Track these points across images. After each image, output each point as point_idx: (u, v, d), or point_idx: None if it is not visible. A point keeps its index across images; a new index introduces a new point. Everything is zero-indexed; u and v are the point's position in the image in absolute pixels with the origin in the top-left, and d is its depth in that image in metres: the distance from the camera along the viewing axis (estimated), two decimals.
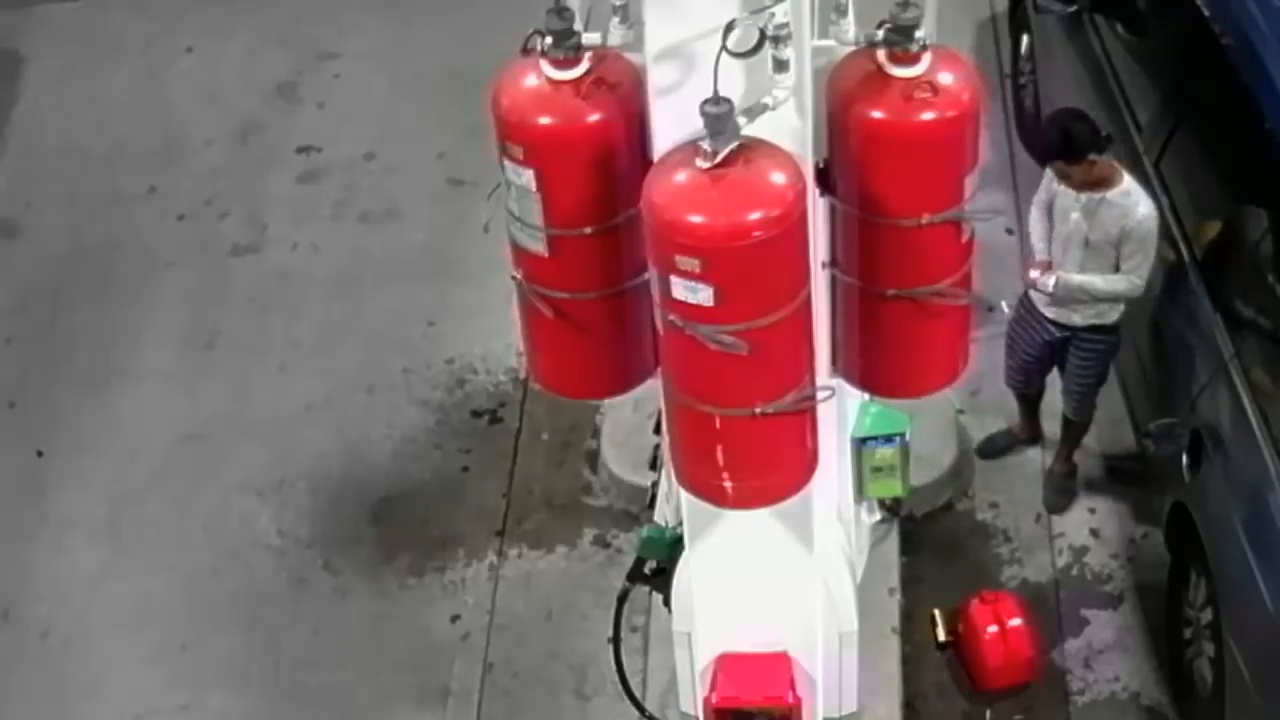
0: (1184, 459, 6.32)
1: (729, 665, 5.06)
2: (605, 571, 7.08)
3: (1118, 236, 6.35)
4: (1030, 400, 7.18)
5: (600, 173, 4.19)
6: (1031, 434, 7.31)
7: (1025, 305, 6.75)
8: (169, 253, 8.70)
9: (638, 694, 6.16)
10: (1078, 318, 6.60)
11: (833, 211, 4.39)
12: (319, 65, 9.61)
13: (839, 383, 4.69)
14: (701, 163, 3.92)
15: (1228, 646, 5.98)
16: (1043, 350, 6.79)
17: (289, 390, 8.01)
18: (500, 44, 4.44)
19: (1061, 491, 7.19)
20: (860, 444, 5.77)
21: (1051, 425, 7.25)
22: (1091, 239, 6.39)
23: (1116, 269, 6.42)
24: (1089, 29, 7.54)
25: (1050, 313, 6.63)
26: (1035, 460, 7.33)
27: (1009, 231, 7.77)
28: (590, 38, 4.16)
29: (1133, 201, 6.34)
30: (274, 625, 7.16)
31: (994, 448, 7.30)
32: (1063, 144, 6.30)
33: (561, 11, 4.10)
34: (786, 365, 4.18)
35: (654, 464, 6.30)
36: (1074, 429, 7.06)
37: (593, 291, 4.38)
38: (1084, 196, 6.37)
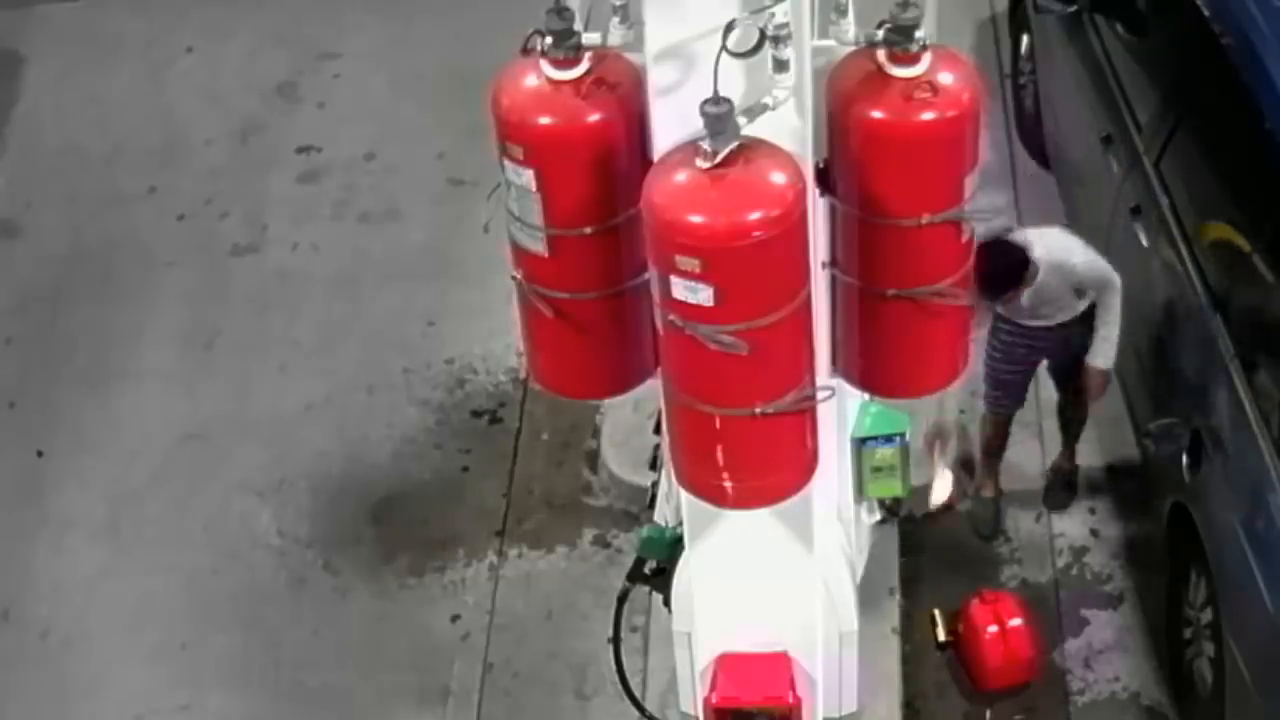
0: (1184, 459, 6.32)
1: (729, 665, 5.06)
2: (605, 571, 7.09)
3: (1073, 286, 6.49)
4: (1001, 437, 7.14)
5: (600, 173, 4.19)
6: (999, 489, 7.24)
7: (1010, 333, 6.70)
8: (169, 253, 8.70)
9: (638, 694, 6.16)
10: (1064, 315, 6.60)
11: (833, 211, 4.38)
12: (319, 65, 9.61)
13: (839, 383, 4.69)
14: (701, 163, 3.91)
15: (1228, 646, 5.98)
16: (1032, 362, 6.79)
17: (289, 390, 8.01)
18: (500, 44, 4.44)
19: (1064, 489, 7.19)
20: (860, 444, 5.77)
21: (1050, 424, 7.26)
22: (1052, 297, 6.48)
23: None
24: (1089, 29, 7.54)
25: (1036, 322, 6.61)
26: (1035, 460, 7.33)
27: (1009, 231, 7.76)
28: (590, 38, 4.15)
29: (1062, 262, 6.42)
30: (274, 625, 7.17)
31: (986, 522, 7.19)
32: (1015, 277, 6.36)
33: (561, 11, 4.10)
34: (786, 365, 4.18)
35: (654, 464, 6.30)
36: (1074, 425, 7.07)
37: (593, 291, 4.38)
38: (1025, 290, 6.44)
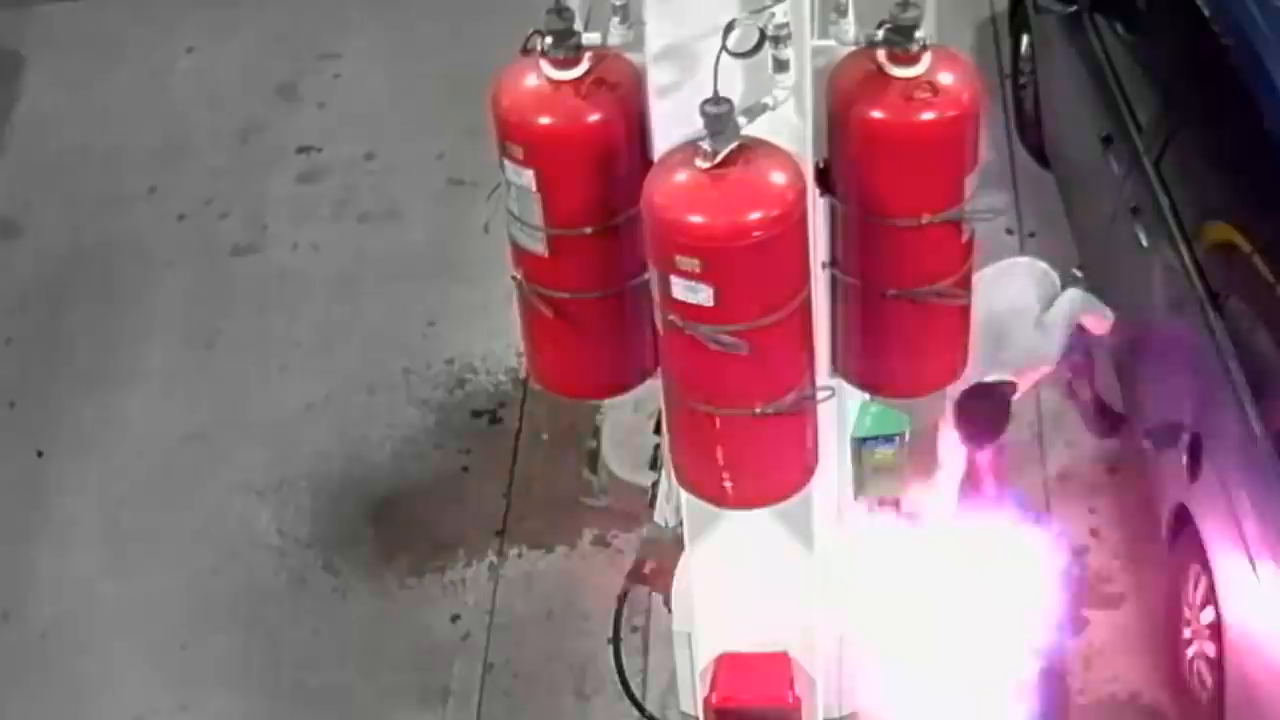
0: (1184, 459, 6.32)
1: (729, 665, 5.06)
2: (605, 571, 7.08)
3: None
4: None
5: (600, 173, 4.18)
6: None
7: None
8: (169, 253, 8.70)
9: (638, 694, 6.16)
10: None
11: (833, 211, 4.38)
12: (319, 65, 9.61)
13: (839, 383, 4.69)
14: (701, 163, 3.91)
15: (1228, 646, 5.98)
16: None
17: (289, 390, 8.01)
18: (501, 44, 4.44)
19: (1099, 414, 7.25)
20: (860, 444, 5.77)
21: (1048, 428, 7.25)
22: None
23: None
24: (1089, 29, 7.54)
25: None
26: (1035, 460, 7.32)
27: (1009, 231, 7.78)
28: (590, 38, 4.15)
29: (1037, 366, 6.47)
30: (274, 625, 7.17)
31: None
32: (1004, 418, 6.43)
33: (561, 11, 4.09)
34: (786, 365, 4.18)
35: (654, 464, 6.30)
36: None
37: (593, 291, 4.38)
38: None
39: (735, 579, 4.95)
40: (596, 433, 7.56)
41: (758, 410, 4.15)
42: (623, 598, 5.83)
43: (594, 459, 7.51)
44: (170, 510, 7.61)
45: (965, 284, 4.44)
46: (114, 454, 7.83)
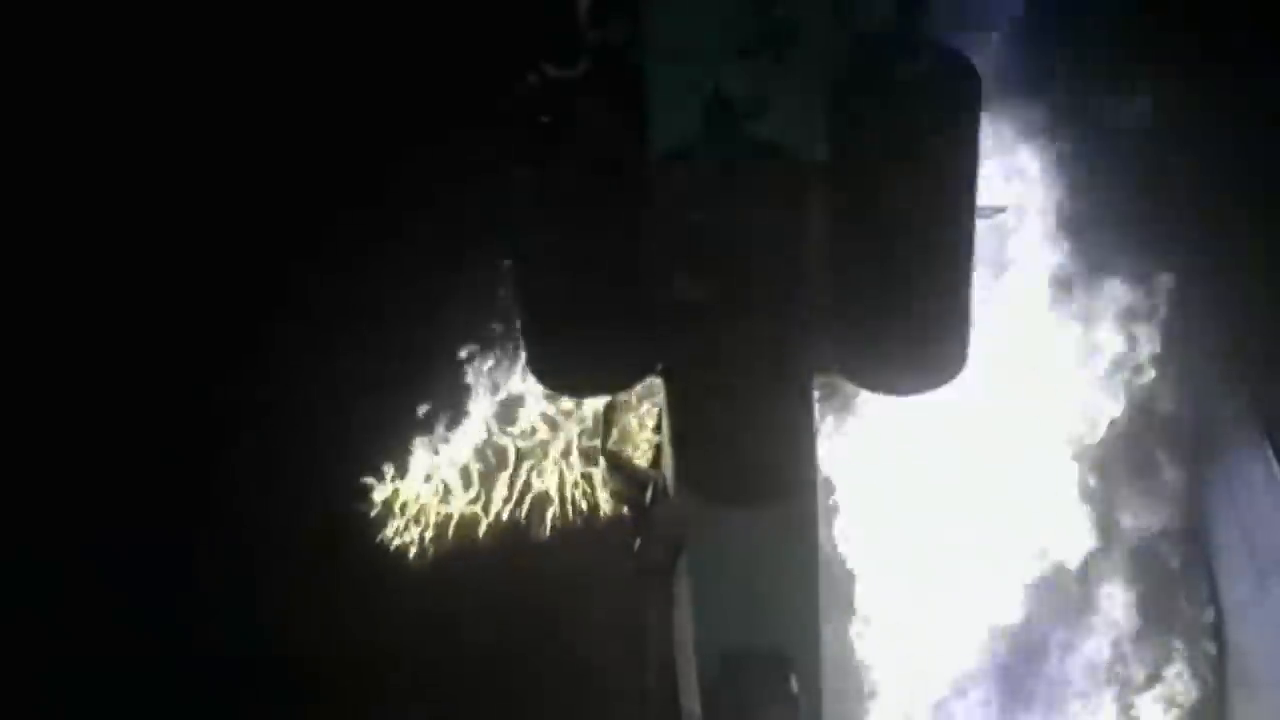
0: (1182, 459, 6.33)
1: (729, 665, 5.07)
2: (610, 567, 7.09)
3: None
4: None
5: (601, 172, 4.20)
6: None
7: None
8: None
9: (642, 691, 6.15)
10: None
11: (835, 211, 4.39)
12: None
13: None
14: (704, 162, 3.93)
15: (1228, 646, 5.99)
16: None
17: None
18: None
19: None
20: None
21: None
22: None
23: None
24: None
25: None
26: None
27: None
28: (590, 38, 4.16)
29: None
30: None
31: None
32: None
33: (563, 11, 4.10)
34: (788, 363, 4.19)
35: (655, 463, 6.31)
36: None
37: (595, 288, 4.39)
38: None
39: (735, 579, 4.97)
40: (600, 429, 7.54)
41: (759, 407, 4.16)
42: (629, 592, 5.81)
43: (598, 455, 7.50)
44: None
45: (966, 283, 4.45)
46: None
